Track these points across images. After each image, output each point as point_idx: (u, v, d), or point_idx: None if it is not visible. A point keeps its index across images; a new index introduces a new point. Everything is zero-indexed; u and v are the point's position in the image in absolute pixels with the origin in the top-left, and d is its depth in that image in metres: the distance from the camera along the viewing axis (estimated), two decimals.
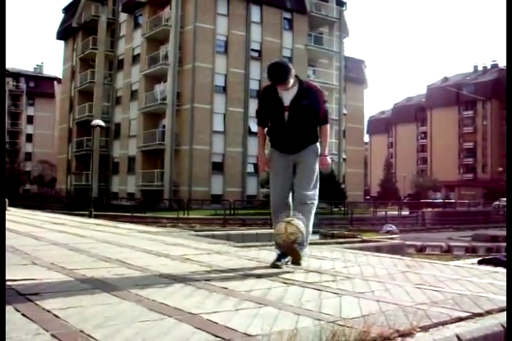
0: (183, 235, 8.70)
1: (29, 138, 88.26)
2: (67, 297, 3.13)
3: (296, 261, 4.51)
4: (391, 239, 16.74)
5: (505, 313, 2.87)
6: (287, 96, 4.67)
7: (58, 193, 59.46)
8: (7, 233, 7.22)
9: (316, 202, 4.78)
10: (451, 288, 3.63)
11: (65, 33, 62.08)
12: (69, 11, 61.57)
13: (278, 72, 4.51)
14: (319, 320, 2.65)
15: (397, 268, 4.80)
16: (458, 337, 2.41)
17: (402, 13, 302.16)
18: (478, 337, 2.49)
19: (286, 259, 4.61)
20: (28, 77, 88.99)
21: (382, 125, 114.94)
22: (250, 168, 45.27)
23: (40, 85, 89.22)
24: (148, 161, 46.39)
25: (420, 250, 20.13)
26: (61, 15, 64.77)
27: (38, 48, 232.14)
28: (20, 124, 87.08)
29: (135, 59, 50.46)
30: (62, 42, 64.22)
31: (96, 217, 22.07)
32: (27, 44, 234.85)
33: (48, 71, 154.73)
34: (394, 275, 4.27)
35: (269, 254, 5.77)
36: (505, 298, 3.25)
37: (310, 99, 4.70)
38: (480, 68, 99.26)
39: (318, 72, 51.55)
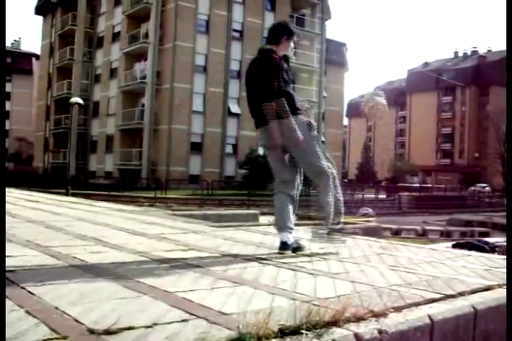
0: (160, 214, 8.68)
1: (6, 114, 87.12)
2: (43, 274, 3.12)
3: None
4: (367, 221, 16.88)
5: (476, 295, 2.93)
6: None
7: (35, 171, 58.89)
8: None
9: None
10: (424, 270, 3.68)
11: (43, 8, 60.96)
12: None
13: None
14: (294, 299, 2.66)
15: (372, 250, 4.85)
16: (430, 317, 2.45)
17: None
18: (450, 318, 2.53)
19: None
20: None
21: (361, 108, 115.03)
22: (229, 149, 45.21)
23: (17, 61, 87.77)
24: (127, 140, 46.11)
25: (396, 233, 20.31)
26: None
27: (16, 23, 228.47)
28: None
29: (115, 36, 49.84)
30: (40, 17, 63.12)
31: (73, 195, 21.91)
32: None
33: (26, 47, 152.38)
34: (369, 257, 4.31)
35: (245, 234, 5.79)
36: (476, 281, 3.30)
37: None
38: (460, 54, 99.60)
39: (299, 54, 51.11)
